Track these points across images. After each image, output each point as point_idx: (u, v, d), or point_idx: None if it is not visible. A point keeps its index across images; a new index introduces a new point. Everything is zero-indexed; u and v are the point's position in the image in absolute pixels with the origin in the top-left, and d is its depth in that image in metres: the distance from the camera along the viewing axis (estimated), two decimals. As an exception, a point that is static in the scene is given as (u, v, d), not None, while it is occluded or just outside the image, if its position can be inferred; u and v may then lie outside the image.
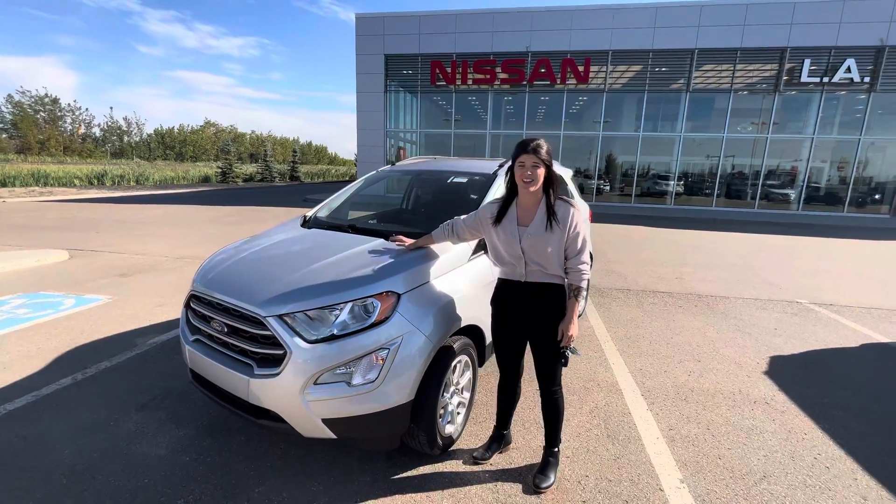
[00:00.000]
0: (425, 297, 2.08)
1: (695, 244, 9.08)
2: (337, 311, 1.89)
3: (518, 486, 2.08)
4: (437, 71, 17.43)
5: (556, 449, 2.19)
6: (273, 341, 1.87)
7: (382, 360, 1.87)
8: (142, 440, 2.36)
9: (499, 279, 2.13)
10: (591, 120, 17.66)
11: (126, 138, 60.16)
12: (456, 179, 3.14)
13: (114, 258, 6.44)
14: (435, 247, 2.31)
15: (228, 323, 2.00)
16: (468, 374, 2.43)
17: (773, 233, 11.46)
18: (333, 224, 2.86)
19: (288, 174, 36.18)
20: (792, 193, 16.53)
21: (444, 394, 2.21)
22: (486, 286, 2.47)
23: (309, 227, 2.88)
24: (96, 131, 59.22)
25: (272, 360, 1.89)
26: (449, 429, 2.28)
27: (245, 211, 13.20)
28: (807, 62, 14.83)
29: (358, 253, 2.27)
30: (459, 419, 2.38)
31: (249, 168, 35.50)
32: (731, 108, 16.01)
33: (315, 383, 1.82)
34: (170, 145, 61.43)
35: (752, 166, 16.82)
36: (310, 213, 3.25)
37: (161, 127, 62.63)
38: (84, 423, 2.49)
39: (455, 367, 2.28)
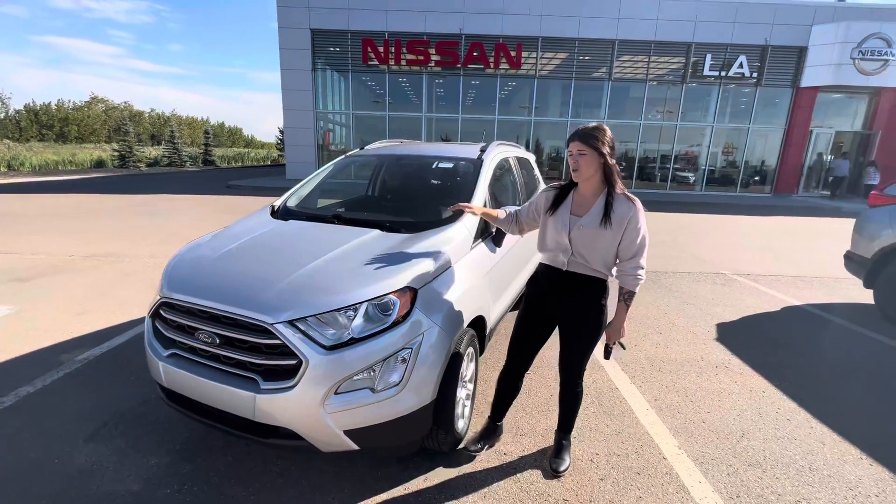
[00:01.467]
0: (439, 290, 1.97)
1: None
2: (353, 312, 1.71)
3: (537, 473, 2.10)
4: (369, 50, 16.69)
5: (570, 434, 2.22)
6: (282, 350, 1.65)
7: (405, 360, 1.75)
8: (102, 476, 2.00)
9: (540, 264, 2.05)
10: (521, 105, 18.13)
11: (-15, 114, 50.17)
12: (442, 164, 3.01)
13: (3, 260, 5.37)
14: (438, 237, 2.20)
15: (221, 333, 1.73)
16: (472, 366, 2.38)
17: (684, 212, 12.75)
18: (314, 215, 2.60)
19: (201, 158, 32.78)
20: (692, 177, 18.50)
21: (459, 388, 2.14)
22: (485, 274, 2.42)
23: (285, 219, 2.58)
24: (-59, 105, 48.64)
25: (281, 371, 1.68)
26: (461, 423, 2.22)
27: (158, 200, 11.72)
28: (708, 57, 16.50)
29: (359, 247, 2.09)
30: (467, 412, 2.34)
31: (154, 151, 31.60)
32: (646, 98, 17.37)
33: (336, 393, 1.65)
34: (47, 124, 52.26)
35: (662, 151, 18.49)
36: (277, 202, 2.94)
37: (33, 102, 53.02)
38: (19, 466, 2.04)
39: (464, 359, 2.21)
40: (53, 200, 10.98)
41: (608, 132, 1.79)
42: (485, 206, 2.59)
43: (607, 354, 1.99)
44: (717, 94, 17.20)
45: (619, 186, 1.81)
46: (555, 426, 2.24)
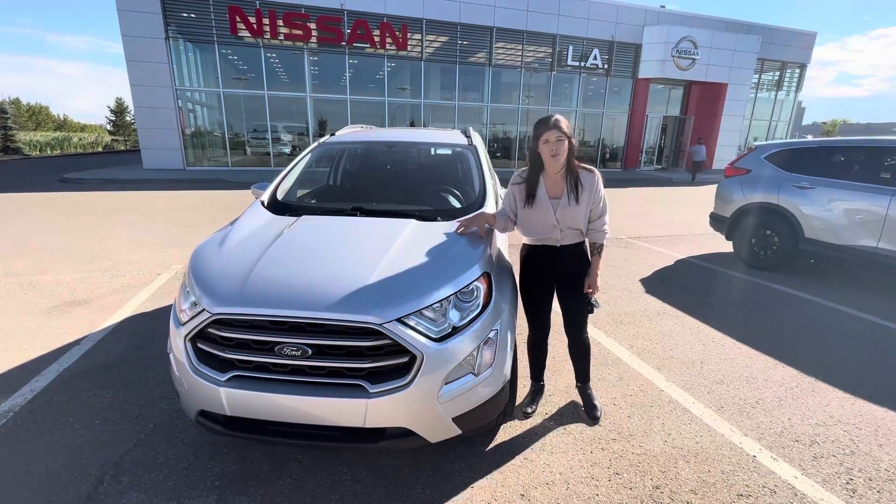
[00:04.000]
0: (500, 273, 2.08)
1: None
2: (447, 303, 1.73)
3: (579, 423, 2.39)
4: (238, 19, 14.77)
5: (589, 382, 2.55)
6: (389, 350, 1.60)
7: (493, 342, 1.84)
8: (142, 536, 1.67)
9: (528, 245, 2.25)
10: (411, 88, 18.14)
11: None
12: (440, 151, 3.01)
13: None
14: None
15: (313, 343, 1.58)
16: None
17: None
18: (330, 209, 2.42)
19: (-2, 145, 25.45)
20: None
21: (513, 363, 2.29)
22: (507, 254, 2.59)
23: (296, 215, 2.34)
24: None
25: (387, 371, 1.62)
26: (510, 394, 2.39)
27: (-34, 202, 8.92)
28: (570, 48, 18.64)
29: (412, 239, 2.05)
30: (506, 384, 2.51)
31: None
32: (522, 83, 18.93)
33: (446, 382, 1.67)
34: None
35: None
36: (264, 197, 2.63)
37: None
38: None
39: (511, 335, 2.37)
40: None
41: (565, 119, 2.05)
42: (495, 190, 2.72)
43: (591, 309, 2.29)
44: (579, 82, 19.58)
45: (578, 163, 2.10)
46: (571, 382, 2.57)
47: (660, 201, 11.44)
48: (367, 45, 16.26)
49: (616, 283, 4.73)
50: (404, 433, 1.65)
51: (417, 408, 1.62)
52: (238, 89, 16.29)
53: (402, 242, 2.01)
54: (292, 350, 1.59)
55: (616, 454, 2.16)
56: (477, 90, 18.79)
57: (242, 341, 1.63)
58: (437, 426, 1.69)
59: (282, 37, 15.40)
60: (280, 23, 15.14)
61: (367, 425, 1.60)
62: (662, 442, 2.25)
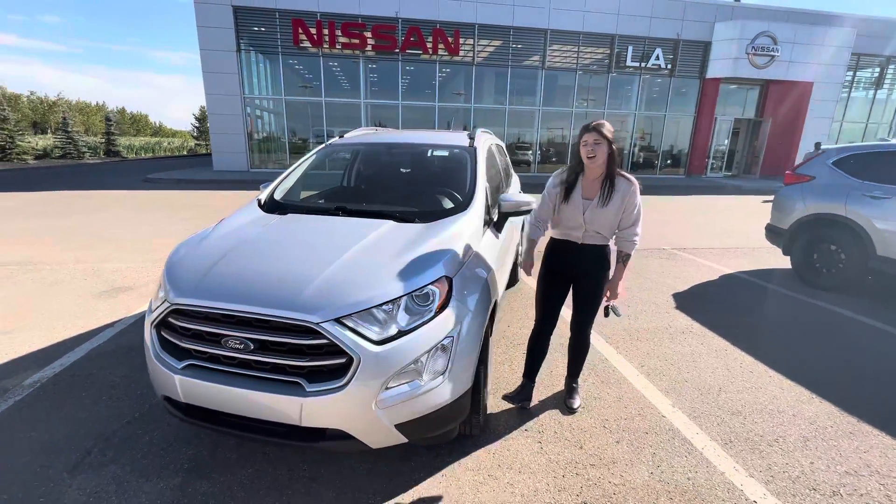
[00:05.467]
0: (468, 278, 1.99)
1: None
2: (396, 305, 1.69)
3: (561, 444, 2.23)
4: (300, 31, 15.73)
5: (578, 378, 2.61)
6: (328, 350, 1.59)
7: (447, 349, 1.76)
8: (108, 507, 1.79)
9: (553, 239, 2.36)
10: (462, 92, 18.25)
11: None
12: (437, 153, 2.99)
13: None
14: (456, 226, 2.21)
15: (256, 338, 1.61)
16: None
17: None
18: (314, 208, 2.47)
19: (102, 149, 29.04)
20: (620, 161, 19.96)
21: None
22: (495, 259, 2.48)
23: (283, 213, 2.43)
24: None
25: (327, 371, 1.61)
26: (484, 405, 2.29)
27: (63, 197, 10.27)
28: (630, 49, 17.75)
29: (381, 239, 2.03)
30: (487, 393, 2.40)
31: (42, 141, 27.39)
32: (577, 86, 18.31)
33: (386, 388, 1.62)
34: None
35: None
36: (262, 195, 2.74)
37: None
38: (-4, 510, 1.77)
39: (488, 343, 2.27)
40: (-77, 202, 9.17)
41: (610, 125, 2.10)
42: (486, 194, 2.63)
43: (606, 313, 2.34)
44: (638, 83, 18.58)
45: (619, 170, 2.14)
46: (560, 397, 2.55)
47: (722, 211, 10.52)
48: (420, 52, 16.60)
49: (644, 297, 4.39)
50: (343, 435, 1.63)
51: (353, 411, 1.59)
52: (299, 96, 17.32)
53: (369, 242, 1.99)
54: (236, 343, 1.63)
55: (590, 482, 1.98)
56: (529, 94, 18.47)
57: (197, 332, 1.70)
58: (376, 432, 1.65)
59: (339, 46, 16.16)
60: (339, 32, 15.90)
61: (304, 424, 1.60)
62: (648, 474, 2.03)
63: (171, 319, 1.74)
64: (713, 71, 18.17)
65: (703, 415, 2.49)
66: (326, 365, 1.60)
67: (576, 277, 2.34)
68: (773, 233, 5.30)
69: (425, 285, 1.75)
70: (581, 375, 2.82)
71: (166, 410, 1.88)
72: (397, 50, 16.39)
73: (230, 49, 15.56)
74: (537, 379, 2.64)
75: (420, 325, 1.69)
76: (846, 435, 2.34)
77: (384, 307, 1.66)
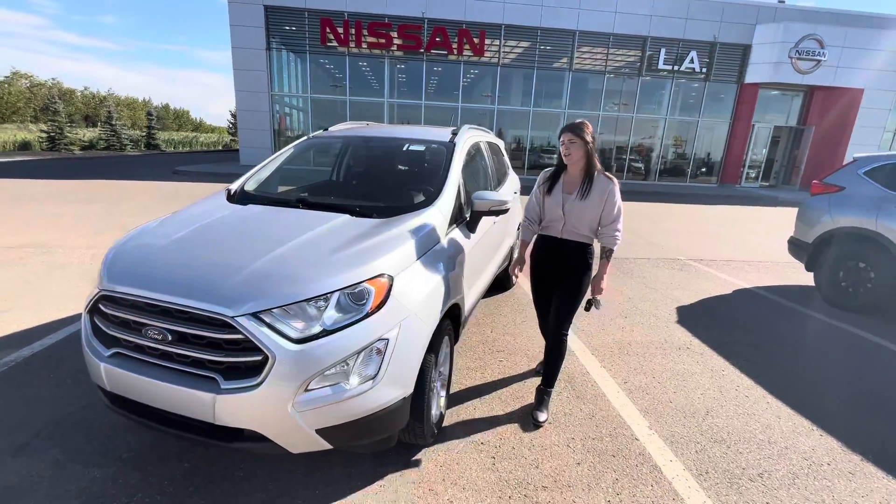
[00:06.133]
0: (416, 278, 1.87)
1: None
2: (326, 302, 1.59)
3: (515, 461, 2.07)
4: (328, 30, 15.98)
5: (552, 389, 2.46)
6: (245, 346, 1.50)
7: (381, 352, 1.65)
8: (35, 493, 1.77)
9: (539, 235, 2.43)
10: (486, 94, 18.09)
11: None
12: (413, 147, 2.88)
13: None
14: (412, 222, 2.10)
15: (174, 329, 1.55)
16: (445, 352, 2.32)
17: (639, 200, 13.27)
18: (276, 199, 2.41)
19: (143, 141, 30.51)
20: (649, 166, 19.29)
21: (436, 380, 2.07)
22: (461, 260, 2.35)
23: (243, 203, 2.38)
24: None
25: (245, 368, 1.53)
26: (435, 413, 2.16)
27: (94, 185, 10.76)
28: (662, 51, 17.10)
29: (328, 233, 1.94)
30: (442, 402, 2.27)
31: (89, 133, 28.99)
32: (605, 89, 17.81)
33: (306, 390, 1.52)
34: (-43, 101, 46.49)
35: (618, 142, 19.10)
36: (234, 186, 2.71)
37: (-61, 76, 46.85)
38: (-71, 487, 1.77)
39: (441, 348, 2.14)
40: (-31, 186, 9.79)
41: (590, 126, 2.21)
42: (458, 191, 2.50)
43: (588, 306, 2.38)
44: (670, 88, 17.89)
45: (599, 168, 2.24)
46: (521, 410, 2.41)
47: (751, 222, 9.94)
48: (446, 52, 16.54)
49: (644, 308, 4.13)
50: (259, 437, 1.54)
51: (268, 412, 1.50)
52: (324, 94, 17.59)
53: (314, 235, 1.90)
54: (155, 333, 1.57)
55: (538, 505, 1.82)
56: (555, 96, 18.09)
57: (124, 320, 1.66)
58: (294, 435, 1.55)
59: (365, 45, 16.31)
60: (365, 32, 16.05)
61: (217, 422, 1.52)
62: (604, 502, 1.85)
63: (100, 306, 1.70)
64: (752, 76, 17.28)
65: (681, 440, 2.27)
66: (244, 362, 1.52)
67: (559, 276, 2.37)
68: (796, 246, 4.90)
69: (359, 283, 1.64)
70: (557, 387, 2.66)
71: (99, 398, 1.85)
72: (422, 50, 16.39)
73: (260, 47, 15.96)
74: (508, 390, 2.49)
75: (348, 324, 1.58)
76: (844, 475, 2.07)
77: (310, 303, 1.56)
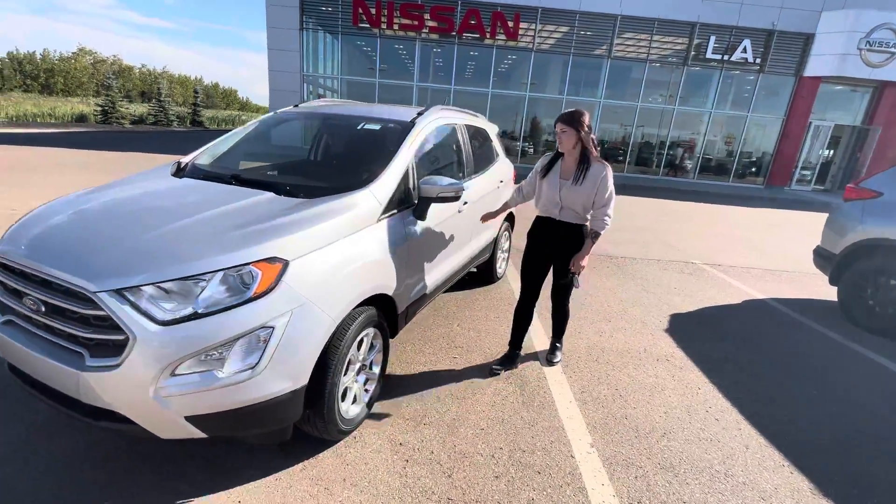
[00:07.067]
0: (322, 263, 1.74)
1: (608, 208, 9.57)
2: (203, 283, 1.48)
3: (426, 468, 1.92)
4: (360, 11, 15.89)
5: (561, 339, 2.91)
6: (113, 323, 1.43)
7: (265, 340, 1.53)
8: (-58, 451, 1.80)
9: (536, 216, 2.64)
10: (519, 80, 17.50)
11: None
12: (368, 126, 2.72)
13: (-67, 210, 5.06)
14: (336, 204, 1.96)
15: (48, 301, 1.50)
16: (378, 347, 2.19)
17: (672, 199, 12.48)
18: (213, 174, 2.33)
19: (189, 118, 31.87)
20: (689, 163, 18.14)
21: (348, 372, 1.95)
22: (397, 249, 2.19)
23: (179, 176, 2.32)
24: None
25: (112, 346, 1.46)
26: (354, 410, 2.05)
27: (130, 158, 11.30)
28: (712, 39, 15.87)
29: (238, 209, 1.84)
30: (364, 397, 2.15)
31: (139, 108, 30.58)
32: (645, 79, 16.80)
33: (173, 374, 1.43)
34: (31, 74, 50.28)
35: (659, 136, 18.05)
36: (185, 158, 2.66)
37: (17, 50, 50.75)
38: None
39: (361, 341, 2.01)
40: (19, 153, 10.52)
41: (586, 115, 2.36)
42: (406, 174, 2.33)
43: (575, 284, 2.58)
44: (718, 79, 16.66)
45: (594, 154, 2.39)
46: (425, 411, 2.15)
47: (791, 228, 9.14)
48: (478, 35, 16.09)
49: (634, 312, 3.83)
50: (124, 419, 1.47)
51: (129, 394, 1.42)
52: (356, 76, 17.60)
53: (222, 211, 1.80)
54: (30, 303, 1.53)
55: (435, 519, 1.67)
56: (592, 85, 17.26)
57: (11, 286, 1.62)
58: (159, 421, 1.47)
59: (397, 27, 16.12)
60: (397, 13, 15.84)
61: (82, 399, 1.46)
62: (510, 523, 1.68)
63: (-3, 272, 1.68)
64: (813, 68, 15.77)
65: (622, 463, 2.04)
66: (111, 340, 1.44)
67: (554, 254, 2.57)
68: (821, 257, 4.40)
69: (244, 264, 1.53)
70: (503, 392, 2.49)
71: (7, 363, 1.85)
72: (454, 32, 16.01)
73: (294, 27, 16.10)
74: (451, 388, 2.33)
75: (225, 308, 1.47)
76: (804, 522, 1.80)
77: (186, 282, 1.47)
